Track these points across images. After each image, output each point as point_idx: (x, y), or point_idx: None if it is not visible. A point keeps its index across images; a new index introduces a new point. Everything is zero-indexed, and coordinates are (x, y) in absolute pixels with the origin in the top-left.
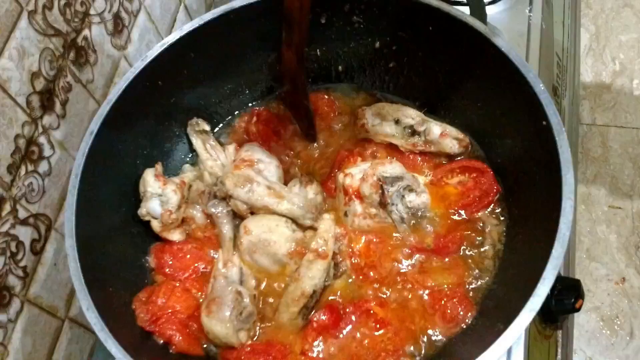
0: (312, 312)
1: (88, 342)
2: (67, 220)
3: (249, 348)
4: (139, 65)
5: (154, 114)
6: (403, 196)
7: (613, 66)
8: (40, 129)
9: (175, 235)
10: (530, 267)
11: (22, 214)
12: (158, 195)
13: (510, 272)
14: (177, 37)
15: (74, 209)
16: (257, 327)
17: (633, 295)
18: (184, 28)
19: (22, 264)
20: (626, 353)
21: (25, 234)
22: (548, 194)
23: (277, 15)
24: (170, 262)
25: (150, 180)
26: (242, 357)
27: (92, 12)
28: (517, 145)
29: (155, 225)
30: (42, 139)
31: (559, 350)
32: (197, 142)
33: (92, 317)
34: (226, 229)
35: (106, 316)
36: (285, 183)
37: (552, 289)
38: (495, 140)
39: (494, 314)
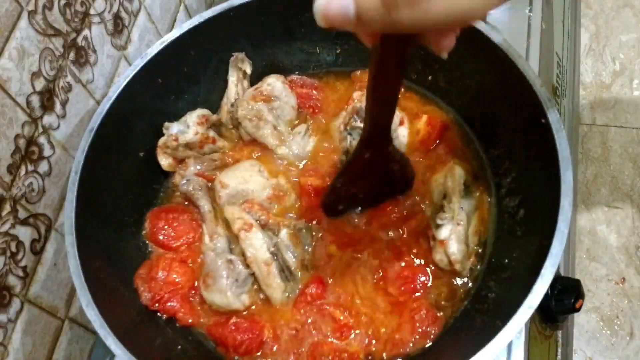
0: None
1: (88, 342)
2: (67, 217)
3: (233, 327)
4: (139, 62)
5: (154, 111)
6: None
7: (613, 66)
8: (40, 129)
9: (163, 160)
10: (529, 265)
11: (22, 214)
12: (186, 124)
13: (508, 270)
14: (177, 34)
15: (74, 206)
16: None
17: (633, 295)
18: (183, 26)
19: (22, 264)
20: (626, 353)
21: (25, 234)
22: (546, 191)
23: (276, 14)
24: (164, 229)
25: (194, 115)
26: (227, 334)
27: (92, 12)
28: (516, 143)
29: (161, 140)
30: (42, 139)
31: (559, 350)
32: (232, 75)
33: (92, 314)
34: (203, 203)
35: (106, 313)
36: None
37: (552, 289)
38: (494, 138)
39: (492, 312)
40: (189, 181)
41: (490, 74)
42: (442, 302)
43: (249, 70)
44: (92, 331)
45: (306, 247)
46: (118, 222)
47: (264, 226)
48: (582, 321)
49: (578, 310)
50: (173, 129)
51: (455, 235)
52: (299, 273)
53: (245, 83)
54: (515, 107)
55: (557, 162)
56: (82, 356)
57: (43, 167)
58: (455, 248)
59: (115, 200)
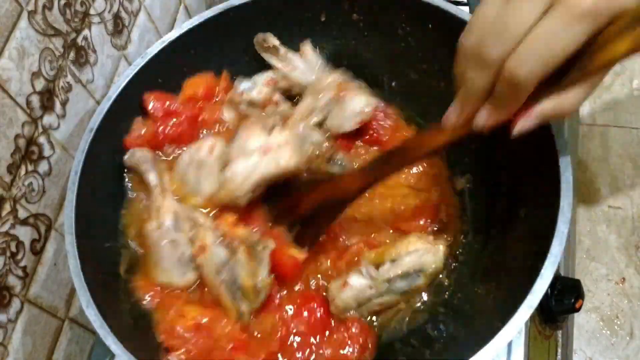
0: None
1: (88, 342)
2: (67, 217)
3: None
4: (139, 62)
5: None
6: None
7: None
8: (40, 129)
9: (225, 113)
10: (529, 265)
11: (22, 214)
12: (254, 82)
13: (508, 270)
14: (177, 34)
15: (74, 206)
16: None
17: (633, 295)
18: (183, 26)
19: (22, 264)
20: (626, 353)
21: (25, 234)
22: (546, 192)
23: (277, 14)
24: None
25: (264, 75)
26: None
27: (92, 12)
28: (516, 144)
29: (229, 94)
30: (42, 139)
31: (559, 350)
32: (269, 59)
33: (92, 314)
34: (151, 176)
35: (106, 313)
36: None
37: (552, 289)
38: (494, 137)
39: (492, 312)
40: (134, 154)
41: None
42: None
43: (277, 42)
44: (92, 331)
45: (261, 265)
46: (119, 222)
47: (227, 242)
48: (582, 321)
49: (578, 310)
50: (242, 85)
51: (357, 293)
52: (251, 295)
53: (282, 51)
54: None
55: (557, 162)
56: (82, 356)
57: (43, 167)
58: (346, 297)
59: (116, 200)
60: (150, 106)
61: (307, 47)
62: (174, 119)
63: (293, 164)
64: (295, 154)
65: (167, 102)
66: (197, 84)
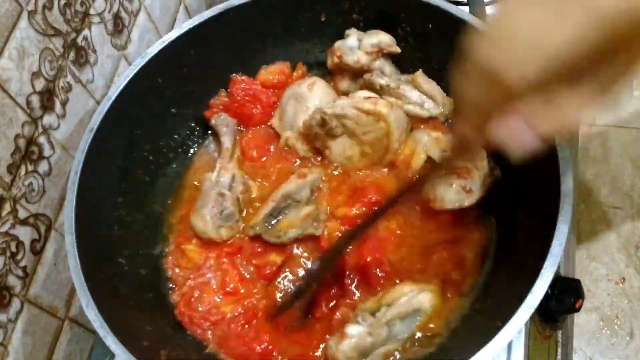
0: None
1: (88, 342)
2: (67, 217)
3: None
4: (139, 62)
5: (154, 111)
6: None
7: None
8: (40, 129)
9: (329, 61)
10: (529, 265)
11: (22, 214)
12: (358, 44)
13: (508, 270)
14: (177, 34)
15: (74, 206)
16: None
17: (633, 295)
18: (183, 26)
19: (22, 264)
20: (626, 353)
21: (25, 234)
22: (546, 192)
23: (276, 14)
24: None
25: (372, 40)
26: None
27: (92, 12)
28: None
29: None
30: (42, 139)
31: (559, 350)
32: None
33: (92, 314)
34: (226, 139)
35: (106, 313)
36: None
37: (552, 289)
38: None
39: (492, 312)
40: (220, 116)
41: None
42: None
43: (383, 82)
44: (92, 331)
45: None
46: (119, 221)
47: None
48: (582, 321)
49: (578, 310)
50: (347, 42)
51: (356, 341)
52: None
53: (393, 84)
54: None
55: (557, 162)
56: (82, 356)
57: (43, 167)
58: (345, 349)
59: (116, 200)
60: (233, 86)
61: (420, 78)
62: (251, 101)
63: (381, 109)
64: (390, 110)
65: (247, 85)
66: (272, 72)
